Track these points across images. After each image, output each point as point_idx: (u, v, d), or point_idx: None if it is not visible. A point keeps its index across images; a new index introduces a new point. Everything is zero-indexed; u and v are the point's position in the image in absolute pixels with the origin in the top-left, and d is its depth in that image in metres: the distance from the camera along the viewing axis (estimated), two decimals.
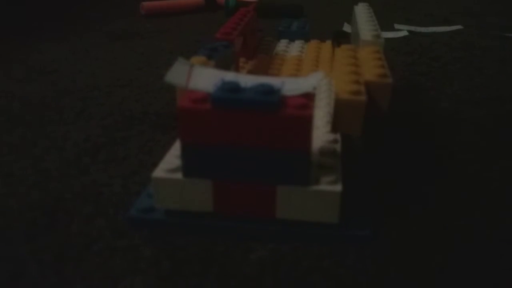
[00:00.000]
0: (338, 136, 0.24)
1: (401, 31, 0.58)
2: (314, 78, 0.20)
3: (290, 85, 0.20)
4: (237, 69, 0.30)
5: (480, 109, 0.35)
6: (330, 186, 0.20)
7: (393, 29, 0.59)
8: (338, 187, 0.20)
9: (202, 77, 0.20)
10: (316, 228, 0.21)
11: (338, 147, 0.23)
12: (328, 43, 0.38)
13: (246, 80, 0.20)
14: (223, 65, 0.26)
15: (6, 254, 0.21)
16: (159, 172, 0.21)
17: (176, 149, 0.23)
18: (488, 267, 0.20)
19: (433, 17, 0.65)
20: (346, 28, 0.59)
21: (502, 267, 0.20)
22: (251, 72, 0.32)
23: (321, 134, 0.24)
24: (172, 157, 0.22)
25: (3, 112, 0.35)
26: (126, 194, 0.25)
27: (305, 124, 0.19)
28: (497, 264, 0.20)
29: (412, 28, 0.59)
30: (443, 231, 0.22)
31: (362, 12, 0.34)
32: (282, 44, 0.38)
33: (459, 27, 0.60)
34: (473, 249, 0.21)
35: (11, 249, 0.21)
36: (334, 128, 0.22)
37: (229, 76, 0.21)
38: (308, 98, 0.19)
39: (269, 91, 0.19)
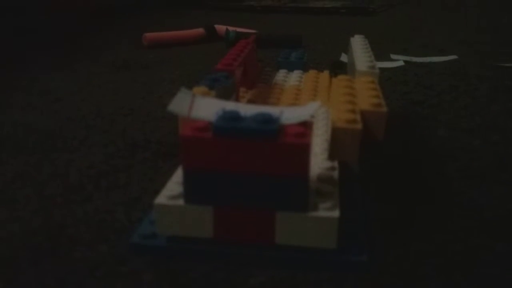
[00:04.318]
0: (335, 163, 0.25)
1: (397, 61, 0.59)
2: (312, 107, 0.21)
3: (288, 114, 0.20)
4: (237, 99, 0.31)
5: (475, 137, 0.36)
6: (328, 212, 0.21)
7: (389, 59, 0.60)
8: (336, 213, 0.21)
9: (204, 107, 0.21)
10: (314, 253, 0.21)
11: (335, 174, 0.24)
12: (325, 73, 0.39)
13: (246, 109, 0.21)
14: (224, 94, 0.27)
15: (10, 279, 0.21)
16: (161, 198, 0.22)
17: (178, 176, 0.24)
18: None
19: (428, 48, 0.67)
20: (344, 58, 0.60)
21: None
22: (251, 101, 0.33)
23: (319, 161, 0.25)
24: (174, 184, 0.23)
25: (8, 140, 0.36)
26: (128, 221, 0.25)
27: (303, 151, 0.19)
28: None
29: (408, 58, 0.61)
30: (441, 257, 0.22)
31: (357, 43, 0.35)
32: (281, 74, 0.39)
33: (454, 57, 0.61)
34: (471, 275, 0.21)
35: (14, 274, 0.21)
36: (331, 156, 0.23)
37: (230, 105, 0.21)
38: (306, 126, 0.20)
39: (268, 120, 0.19)
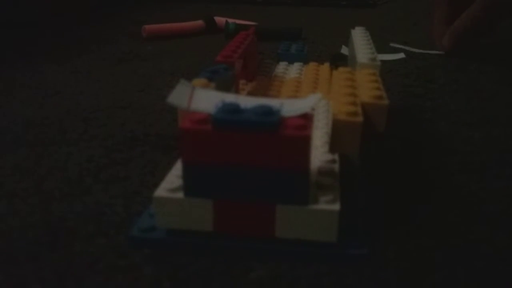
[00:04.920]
0: (336, 156, 0.25)
1: (398, 53, 0.59)
2: (312, 100, 0.21)
3: (289, 106, 0.20)
4: (237, 91, 0.31)
5: (476, 130, 0.36)
6: (328, 205, 0.21)
7: (390, 52, 0.60)
8: (336, 206, 0.20)
9: (204, 99, 0.21)
10: (314, 247, 0.21)
11: (336, 167, 0.24)
12: (326, 66, 0.39)
13: (246, 101, 0.20)
14: (224, 87, 0.26)
15: (9, 273, 0.21)
16: (161, 191, 0.22)
17: (177, 169, 0.23)
18: (486, 285, 0.20)
19: (430, 40, 0.66)
20: (344, 50, 0.60)
21: (499, 286, 0.20)
22: (251, 93, 0.33)
23: (320, 154, 0.25)
24: (174, 177, 0.23)
25: (6, 133, 0.35)
26: (128, 214, 0.25)
27: (304, 144, 0.19)
28: (495, 283, 0.20)
29: (407, 48, 0.60)
30: (441, 251, 0.22)
31: (358, 35, 0.35)
32: (281, 67, 0.39)
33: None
34: (471, 269, 0.21)
35: (13, 268, 0.21)
36: (332, 148, 0.22)
37: (230, 97, 0.21)
38: (307, 118, 0.20)
39: (269, 112, 0.19)
